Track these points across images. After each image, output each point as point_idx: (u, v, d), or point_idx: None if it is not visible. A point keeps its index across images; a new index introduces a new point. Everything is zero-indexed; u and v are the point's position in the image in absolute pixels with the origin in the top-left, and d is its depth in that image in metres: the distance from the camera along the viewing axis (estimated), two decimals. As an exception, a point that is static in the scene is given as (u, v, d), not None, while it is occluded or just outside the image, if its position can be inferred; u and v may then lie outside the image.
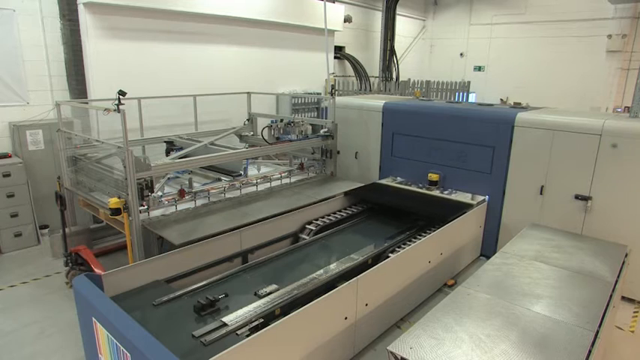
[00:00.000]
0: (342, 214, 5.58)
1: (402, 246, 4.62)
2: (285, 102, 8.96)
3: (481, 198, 5.76)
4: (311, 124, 6.51)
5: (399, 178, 6.65)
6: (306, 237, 5.02)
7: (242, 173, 5.65)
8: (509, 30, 13.30)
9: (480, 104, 6.65)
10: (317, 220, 5.30)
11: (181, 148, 5.86)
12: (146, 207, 4.49)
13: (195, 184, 5.18)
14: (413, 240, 4.82)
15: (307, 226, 5.18)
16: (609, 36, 11.35)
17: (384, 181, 6.46)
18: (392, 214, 5.62)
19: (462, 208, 5.34)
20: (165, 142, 6.31)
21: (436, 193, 5.98)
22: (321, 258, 4.53)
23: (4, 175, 5.83)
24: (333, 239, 4.99)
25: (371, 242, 4.87)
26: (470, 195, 5.87)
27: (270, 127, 6.21)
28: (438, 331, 2.88)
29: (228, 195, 5.31)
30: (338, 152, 6.72)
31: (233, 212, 4.92)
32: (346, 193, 5.83)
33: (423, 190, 6.06)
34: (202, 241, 4.10)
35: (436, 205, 5.57)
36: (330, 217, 5.43)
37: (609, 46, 11.38)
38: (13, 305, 4.73)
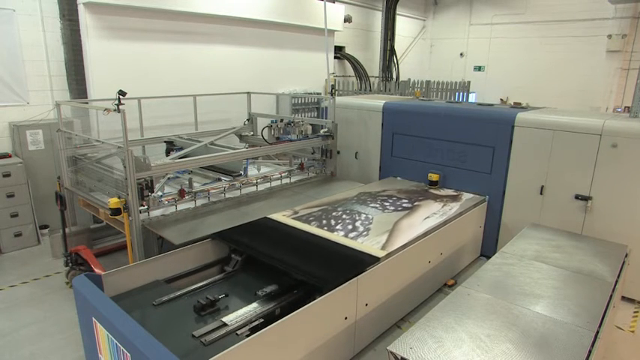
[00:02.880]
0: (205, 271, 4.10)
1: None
2: (285, 102, 8.95)
3: (481, 198, 5.76)
4: (311, 124, 6.51)
5: (399, 178, 6.65)
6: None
7: (242, 173, 5.65)
8: (509, 30, 13.31)
9: (480, 104, 6.65)
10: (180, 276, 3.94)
11: (181, 148, 5.86)
12: (146, 207, 4.49)
13: (195, 184, 5.18)
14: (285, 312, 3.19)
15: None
16: (609, 36, 11.35)
17: (278, 216, 4.76)
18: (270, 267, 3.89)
19: (359, 264, 3.74)
20: (165, 142, 6.31)
21: (338, 236, 4.27)
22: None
23: (4, 175, 5.83)
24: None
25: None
26: (383, 239, 4.24)
27: (270, 127, 6.20)
28: (438, 331, 2.88)
29: (228, 195, 5.31)
30: (338, 152, 6.73)
31: (233, 212, 4.92)
32: (214, 237, 4.21)
33: (322, 232, 4.36)
34: (202, 241, 4.10)
35: (325, 259, 3.89)
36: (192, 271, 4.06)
37: (609, 46, 11.39)
38: (13, 305, 4.73)
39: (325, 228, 4.52)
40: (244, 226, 4.50)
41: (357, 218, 4.82)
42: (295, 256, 3.91)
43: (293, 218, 4.76)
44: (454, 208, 5.29)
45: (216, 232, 4.27)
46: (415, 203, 5.40)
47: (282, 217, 4.77)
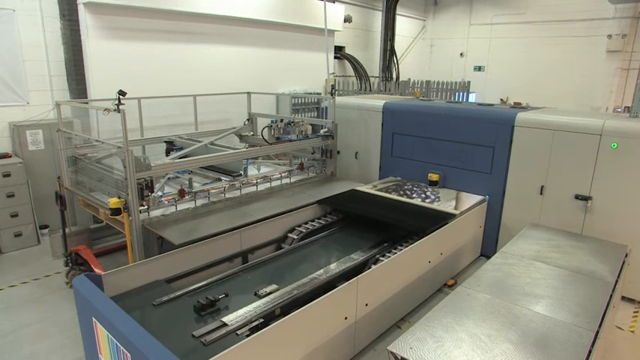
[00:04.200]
0: (314, 224, 5.16)
1: (377, 261, 4.27)
2: (285, 102, 8.95)
3: (481, 198, 5.76)
4: (311, 124, 6.51)
5: (399, 178, 6.65)
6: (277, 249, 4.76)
7: (242, 173, 5.65)
8: (509, 30, 13.30)
9: (480, 104, 6.65)
10: (293, 231, 4.96)
11: (181, 148, 5.86)
12: (146, 207, 4.49)
13: (195, 184, 5.18)
14: (388, 254, 4.40)
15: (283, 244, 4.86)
16: (609, 36, 11.35)
17: (362, 188, 5.97)
18: (368, 224, 5.21)
19: (443, 219, 4.90)
20: (165, 142, 6.31)
21: (417, 201, 5.48)
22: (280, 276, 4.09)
23: (4, 175, 5.83)
24: (301, 253, 4.60)
25: (342, 256, 4.48)
26: (453, 204, 5.46)
27: (270, 127, 6.21)
28: (438, 331, 2.88)
29: (228, 195, 5.31)
30: (338, 152, 6.73)
31: (233, 212, 4.92)
32: (320, 202, 5.43)
33: (404, 199, 5.57)
34: (202, 241, 4.11)
35: (416, 215, 5.05)
36: (301, 229, 5.02)
37: (609, 46, 11.38)
38: (13, 305, 4.73)
39: (405, 196, 5.71)
40: (339, 195, 5.68)
41: (426, 190, 6.04)
42: (392, 213, 5.10)
43: (376, 190, 5.94)
44: None
45: (320, 199, 5.44)
46: None
47: (366, 188, 6.00)
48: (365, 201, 5.56)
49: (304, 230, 5.01)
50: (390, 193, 5.83)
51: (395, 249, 4.59)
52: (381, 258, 4.36)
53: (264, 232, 4.70)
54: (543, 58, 12.68)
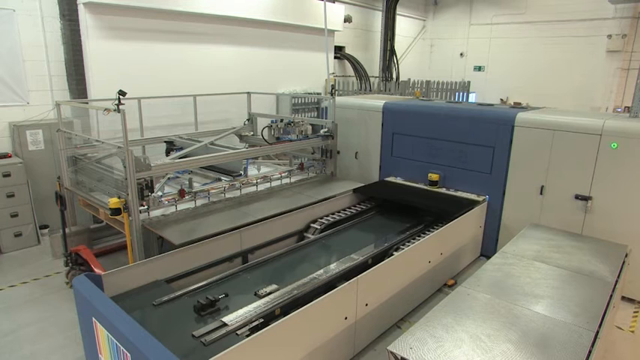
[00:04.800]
0: (351, 210, 5.75)
1: (412, 241, 4.77)
2: (285, 102, 8.95)
3: (481, 198, 5.76)
4: (311, 124, 6.50)
5: (399, 178, 6.65)
6: (312, 235, 5.07)
7: (242, 173, 5.65)
8: (509, 30, 13.30)
9: (480, 104, 6.65)
10: (322, 218, 5.41)
11: (181, 148, 5.86)
12: (146, 207, 4.49)
13: (195, 184, 5.18)
14: (421, 236, 4.93)
15: (312, 224, 5.26)
16: (609, 36, 11.36)
17: (390, 179, 6.61)
18: (399, 210, 5.79)
19: (467, 205, 5.46)
20: (165, 142, 6.31)
21: (445, 191, 6.09)
22: (325, 256, 4.57)
23: (4, 175, 5.83)
24: (341, 236, 5.11)
25: (381, 238, 5.01)
26: (476, 194, 5.92)
27: (270, 127, 6.20)
28: (438, 331, 2.88)
29: (228, 195, 5.31)
30: (338, 152, 6.72)
31: (233, 212, 4.92)
32: (355, 190, 5.99)
33: (429, 188, 6.19)
34: (202, 241, 4.11)
35: (443, 201, 5.67)
36: (339, 214, 5.59)
37: (609, 46, 11.39)
38: (13, 305, 4.73)
39: (429, 187, 6.21)
40: (372, 184, 6.42)
41: None
42: (423, 200, 5.72)
43: (403, 180, 6.56)
44: None
45: (354, 187, 6.05)
46: None
47: (394, 179, 6.63)
48: (395, 190, 6.16)
49: (336, 218, 5.46)
50: (418, 183, 6.38)
51: (424, 233, 5.04)
52: (407, 243, 4.75)
53: (265, 231, 4.70)
54: (543, 58, 12.68)
